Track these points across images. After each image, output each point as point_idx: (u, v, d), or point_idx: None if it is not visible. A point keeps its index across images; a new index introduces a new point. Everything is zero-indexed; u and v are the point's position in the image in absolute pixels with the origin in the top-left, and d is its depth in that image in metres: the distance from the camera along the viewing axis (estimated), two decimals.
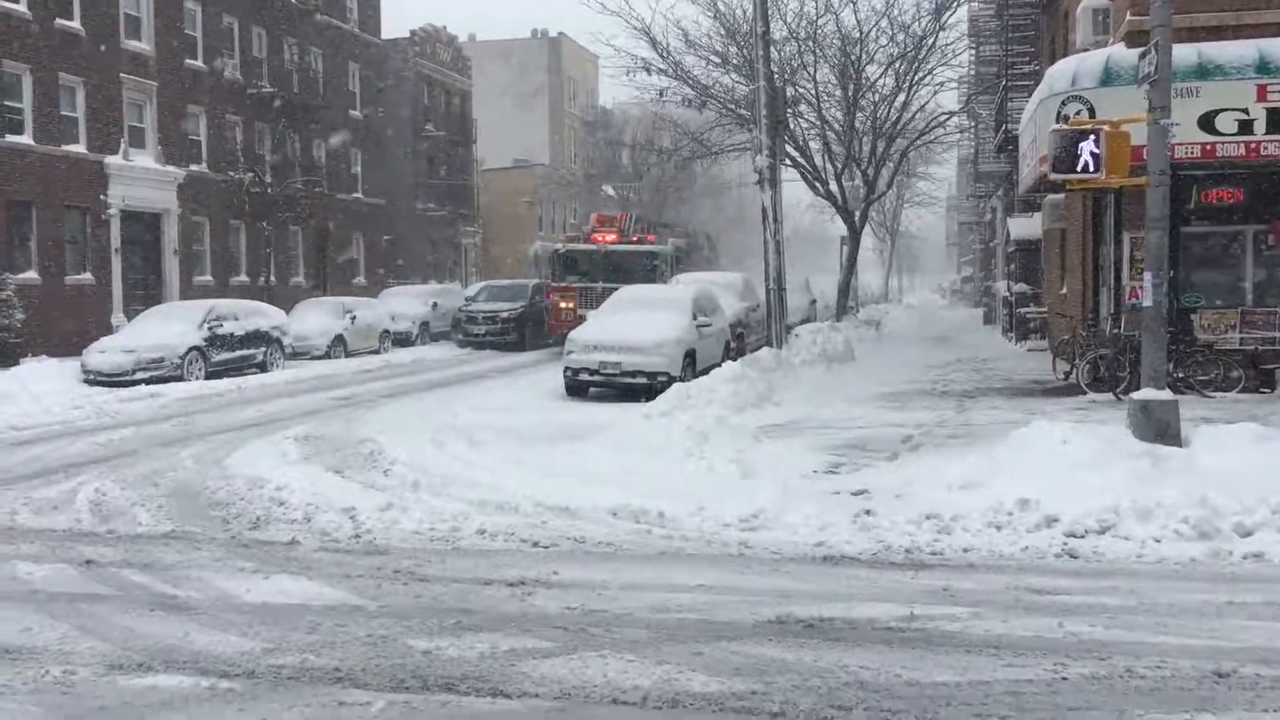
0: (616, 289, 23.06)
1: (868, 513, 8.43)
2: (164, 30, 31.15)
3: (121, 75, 29.49)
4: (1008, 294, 30.64)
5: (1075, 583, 6.73)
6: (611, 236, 27.56)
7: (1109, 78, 14.66)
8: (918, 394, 16.81)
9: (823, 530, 8.11)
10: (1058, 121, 13.32)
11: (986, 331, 35.23)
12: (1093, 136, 10.90)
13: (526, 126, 65.99)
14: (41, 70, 26.70)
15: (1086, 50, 16.70)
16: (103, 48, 28.74)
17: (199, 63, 32.87)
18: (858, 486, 9.53)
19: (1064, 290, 22.96)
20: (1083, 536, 7.69)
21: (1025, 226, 29.16)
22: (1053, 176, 11.61)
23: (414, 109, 47.80)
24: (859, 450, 11.57)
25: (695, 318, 18.73)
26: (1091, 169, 10.90)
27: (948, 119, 33.10)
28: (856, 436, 12.50)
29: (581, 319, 23.98)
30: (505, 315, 29.85)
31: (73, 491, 9.93)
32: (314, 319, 27.15)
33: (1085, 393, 15.53)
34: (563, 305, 27.00)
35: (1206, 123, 14.36)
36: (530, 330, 29.76)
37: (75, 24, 27.88)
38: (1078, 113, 14.32)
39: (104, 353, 20.47)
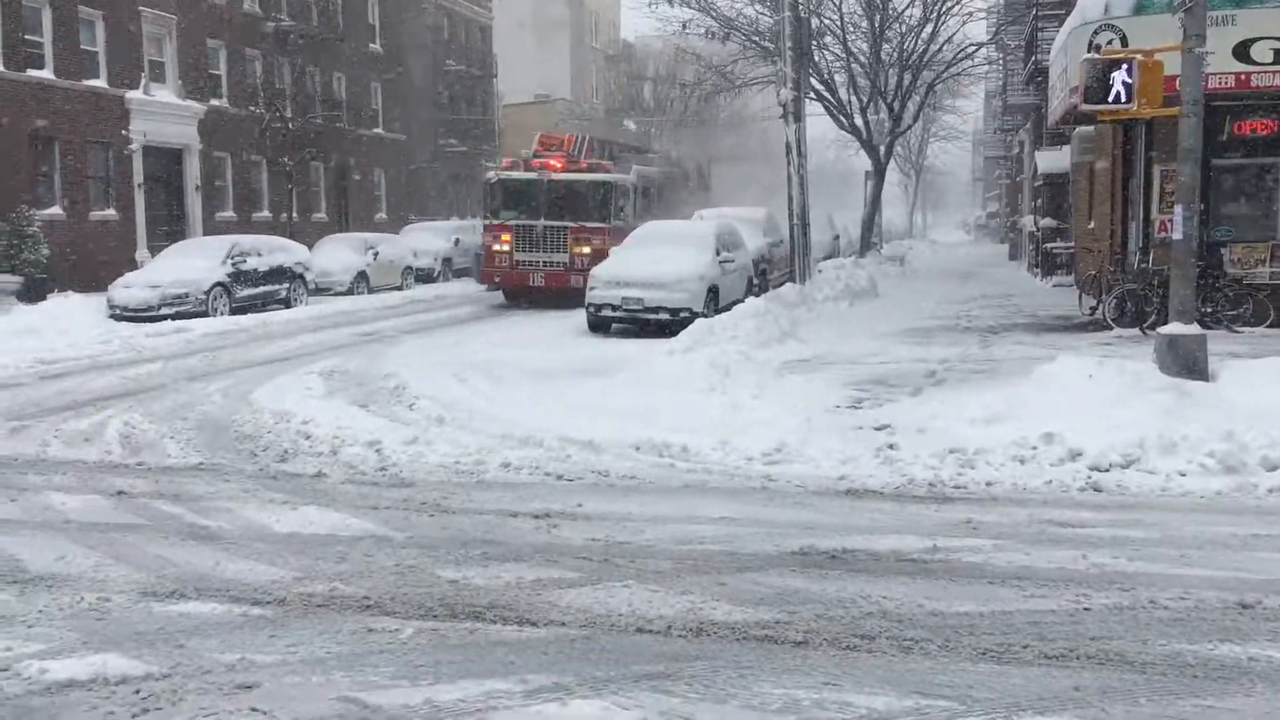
0: (563, 227, 22.29)
1: (891, 447, 8.44)
2: None
3: (140, 8, 29.28)
4: (1034, 229, 30.31)
5: (1099, 516, 6.74)
6: (556, 163, 23.29)
7: (1142, 6, 14.34)
8: (941, 329, 16.72)
9: (845, 464, 8.13)
10: (1089, 51, 13.07)
11: (1012, 267, 34.93)
12: (1125, 66, 10.69)
13: (547, 60, 65.28)
14: (61, 3, 26.54)
15: None
16: None
17: None
18: (881, 421, 9.51)
19: (1092, 224, 22.69)
20: (1107, 470, 7.68)
21: (1053, 160, 28.74)
22: (1084, 107, 11.41)
23: (434, 43, 47.34)
24: (882, 385, 11.54)
25: (718, 253, 18.63)
26: (1124, 99, 10.70)
27: (975, 50, 32.58)
28: (880, 372, 12.47)
29: (519, 264, 22.80)
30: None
31: (102, 424, 10.05)
32: (337, 255, 27.17)
33: (1111, 328, 15.40)
34: (495, 248, 23.34)
35: (1242, 52, 14.05)
36: None
37: None
38: (1110, 42, 14.03)
39: (129, 288, 20.59)
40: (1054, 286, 24.75)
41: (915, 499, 7.25)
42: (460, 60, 49.35)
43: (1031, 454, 7.99)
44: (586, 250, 22.09)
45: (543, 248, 22.73)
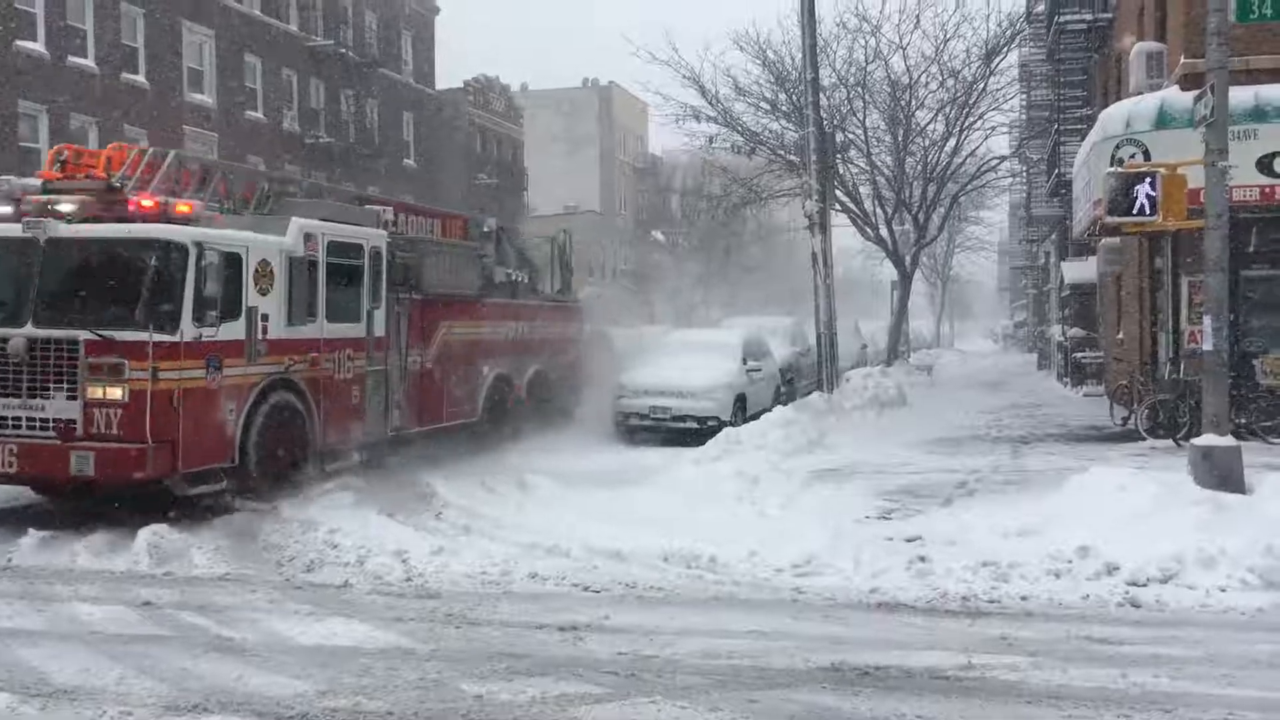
0: (62, 342, 9.61)
1: (922, 559, 8.31)
2: (225, 83, 31.97)
3: (184, 127, 30.27)
4: (1062, 339, 30.28)
5: (1138, 632, 6.58)
6: (72, 205, 10.24)
7: (1164, 120, 14.54)
8: (971, 439, 16.60)
9: (876, 577, 8.00)
10: (1112, 165, 13.23)
11: (1040, 377, 34.79)
12: (1149, 179, 10.81)
13: (577, 173, 66.66)
14: (107, 123, 27.47)
15: (1140, 94, 16.58)
16: (167, 100, 29.54)
17: (259, 114, 33.66)
18: (911, 533, 9.39)
19: (1120, 335, 22.65)
20: (1145, 585, 7.52)
21: (1080, 270, 28.87)
22: (1108, 220, 11.53)
23: (467, 157, 48.51)
24: (912, 496, 11.43)
25: (745, 362, 18.71)
26: (1148, 212, 10.79)
27: (999, 163, 33.00)
28: (909, 482, 12.35)
29: None
30: None
31: (129, 533, 10.05)
32: None
33: (1144, 439, 15.25)
34: None
35: (1265, 165, 14.17)
36: None
37: (140, 78, 28.73)
38: (1132, 156, 14.20)
39: None
40: (1084, 396, 24.60)
41: (948, 613, 7.12)
42: (492, 174, 50.49)
43: (1067, 568, 7.85)
44: (114, 394, 9.61)
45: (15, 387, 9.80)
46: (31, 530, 10.21)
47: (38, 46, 25.62)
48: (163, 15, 29.54)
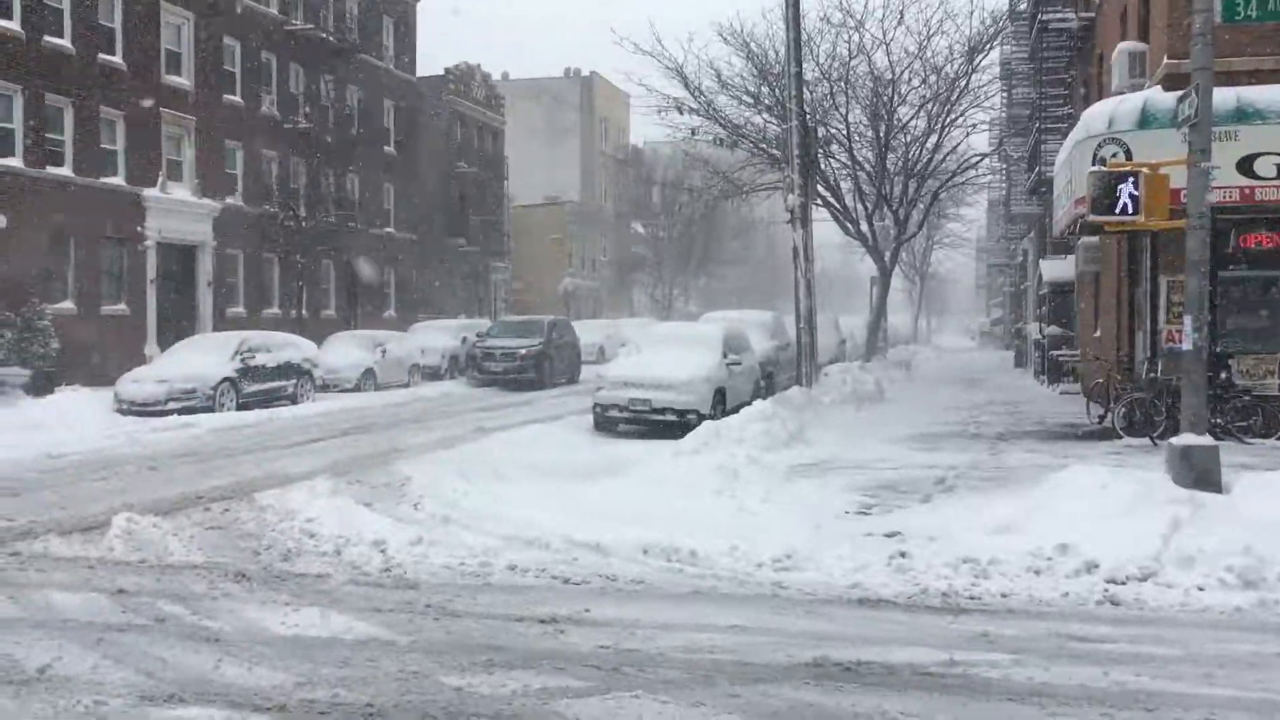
0: None
1: (903, 555, 8.32)
2: (203, 65, 31.65)
3: (161, 109, 29.94)
4: (1040, 337, 30.43)
5: (1119, 631, 6.60)
6: None
7: (1146, 120, 14.60)
8: (950, 436, 16.65)
9: (857, 572, 8.00)
10: (1094, 164, 13.26)
11: (1017, 374, 34.96)
12: (1132, 179, 10.85)
13: (558, 164, 66.50)
14: (83, 103, 27.15)
15: (1122, 93, 16.65)
16: (143, 82, 29.22)
17: (237, 98, 33.34)
18: (891, 528, 9.40)
19: (1098, 333, 22.78)
20: (1124, 583, 7.55)
21: (1058, 269, 29.01)
22: (1091, 218, 11.55)
23: (447, 145, 48.27)
24: (891, 491, 11.44)
25: (725, 355, 18.68)
26: (1130, 211, 10.83)
27: (979, 161, 33.14)
28: (888, 478, 12.37)
29: None
30: (524, 352, 28.34)
31: (105, 520, 9.95)
32: (345, 352, 27.29)
33: (1121, 437, 15.33)
34: None
35: (1245, 166, 14.25)
36: (549, 368, 28.82)
37: (117, 59, 28.37)
38: (1114, 155, 14.24)
39: (137, 382, 20.64)
40: (1061, 394, 24.72)
41: (929, 609, 7.12)
42: (472, 163, 50.25)
43: (1047, 565, 7.87)
44: None
45: None
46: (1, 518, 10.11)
47: (13, 25, 25.25)
48: None
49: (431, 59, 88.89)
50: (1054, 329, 29.28)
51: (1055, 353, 27.50)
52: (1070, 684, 5.56)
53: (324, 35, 37.28)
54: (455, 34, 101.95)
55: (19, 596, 7.37)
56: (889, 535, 9.13)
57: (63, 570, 8.18)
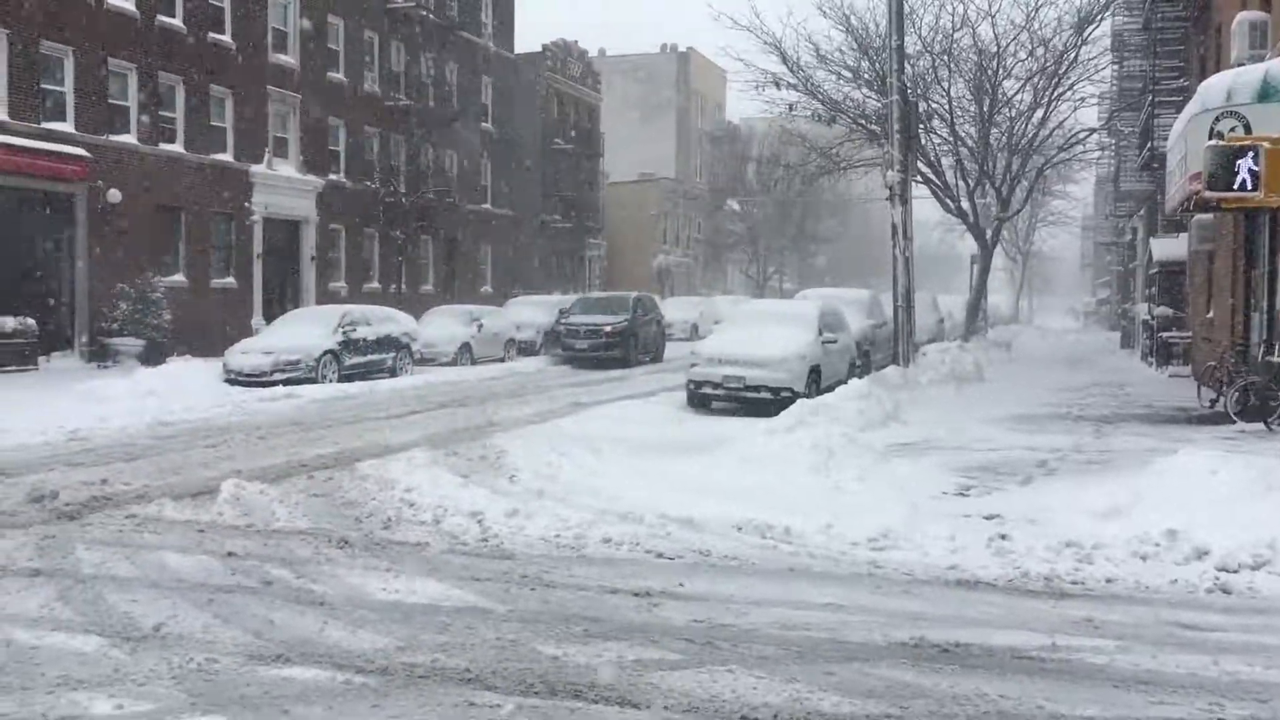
0: None
1: (1003, 537, 8.16)
2: (309, 44, 32.30)
3: (268, 87, 30.66)
4: (1148, 317, 29.52)
5: (1229, 619, 6.39)
6: None
7: (1267, 93, 13.95)
8: (1052, 417, 16.27)
9: (955, 553, 7.87)
10: (1211, 138, 12.77)
11: (1124, 356, 34.00)
12: (1251, 154, 10.44)
13: (653, 140, 66.43)
14: (193, 82, 27.94)
15: (1242, 65, 15.96)
16: (251, 61, 29.94)
17: (340, 76, 33.97)
18: (990, 510, 9.24)
19: (1211, 314, 21.99)
20: (1236, 571, 7.30)
21: (1169, 247, 28.06)
22: (1207, 194, 11.14)
23: (544, 122, 48.56)
24: (990, 473, 11.23)
25: (820, 333, 18.50)
26: (1249, 187, 10.43)
27: (1088, 136, 32.14)
28: (987, 459, 12.14)
29: None
30: (609, 329, 27.78)
31: (214, 486, 10.28)
32: (443, 326, 27.72)
33: (1233, 421, 14.81)
34: None
35: None
36: (634, 345, 28.40)
37: (226, 38, 29.12)
38: (1232, 129, 13.67)
39: (245, 354, 21.25)
40: (1170, 377, 23.98)
41: (1030, 593, 6.98)
42: (567, 139, 50.48)
43: (1154, 551, 7.65)
44: None
45: None
46: (118, 481, 10.51)
47: (128, 5, 26.06)
48: None
49: (529, 36, 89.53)
50: (1164, 310, 28.35)
51: (1165, 334, 26.66)
52: (1178, 672, 5.40)
53: (425, 13, 37.74)
54: (553, 11, 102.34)
55: (135, 557, 7.66)
56: (988, 517, 8.97)
57: (175, 533, 8.47)
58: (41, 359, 22.95)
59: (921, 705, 4.92)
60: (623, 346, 27.85)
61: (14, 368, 21.84)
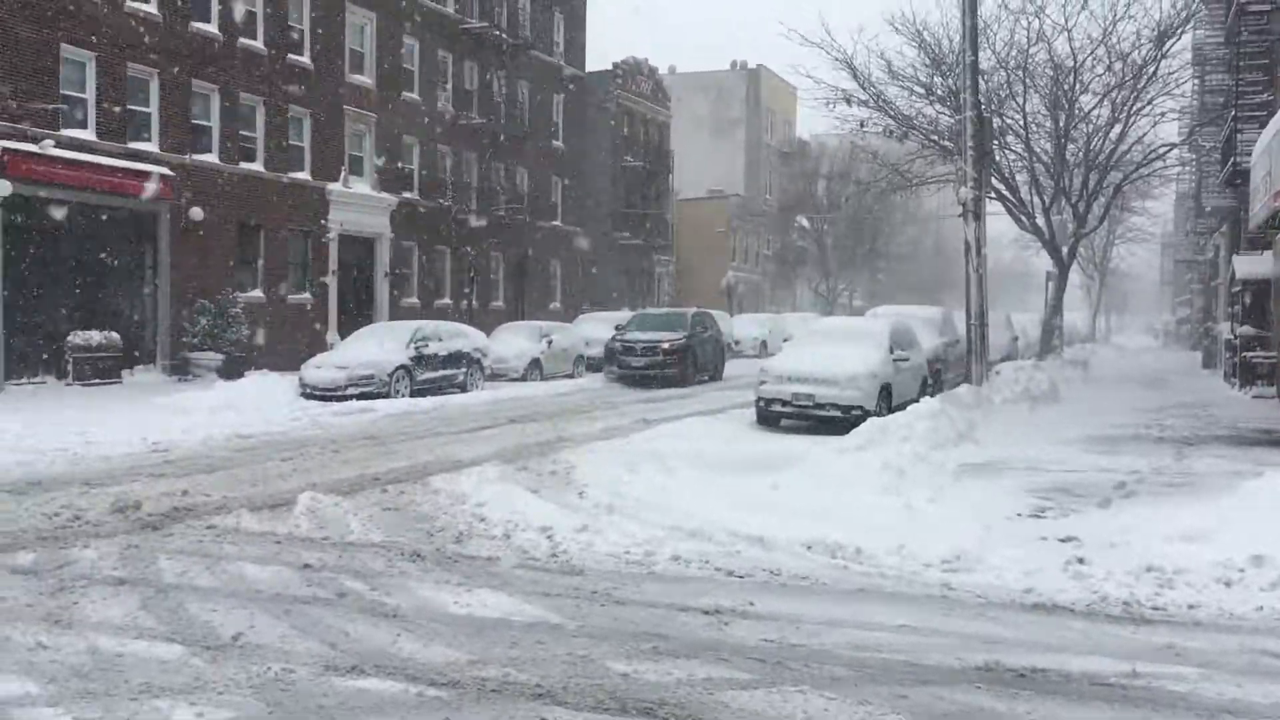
0: None
1: (1080, 560, 8.00)
2: (384, 64, 32.89)
3: (345, 107, 31.27)
4: (1231, 336, 28.76)
5: None
6: None
7: None
8: (1130, 439, 15.91)
9: (1030, 576, 7.73)
10: None
11: (1205, 376, 33.16)
12: None
13: (723, 157, 66.45)
14: (273, 102, 28.59)
15: None
16: (329, 81, 30.57)
17: (415, 95, 34.52)
18: (1066, 532, 9.06)
19: None
20: None
21: (1253, 265, 27.32)
22: None
23: (614, 139, 48.87)
24: (1066, 494, 11.01)
25: (892, 351, 18.32)
26: None
27: (1167, 151, 31.46)
28: (1063, 480, 11.91)
29: None
30: (666, 346, 26.62)
31: (291, 498, 10.47)
32: (513, 342, 27.96)
33: None
34: None
35: None
36: (692, 363, 27.29)
37: (305, 59, 29.77)
38: None
39: (320, 368, 21.63)
40: (1254, 398, 23.34)
41: (1109, 618, 6.82)
42: (637, 156, 50.71)
43: (1239, 576, 7.44)
44: None
45: None
46: (198, 494, 10.75)
47: (211, 28, 26.79)
48: None
49: (600, 54, 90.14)
50: (1247, 329, 27.59)
51: (1248, 354, 25.94)
52: (1264, 702, 5.25)
53: (497, 33, 38.22)
54: (623, 29, 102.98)
55: (214, 568, 7.83)
56: (1064, 540, 8.80)
57: (253, 544, 8.64)
58: (125, 372, 23.60)
59: None
60: (680, 365, 26.84)
61: (99, 381, 22.49)
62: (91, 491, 10.79)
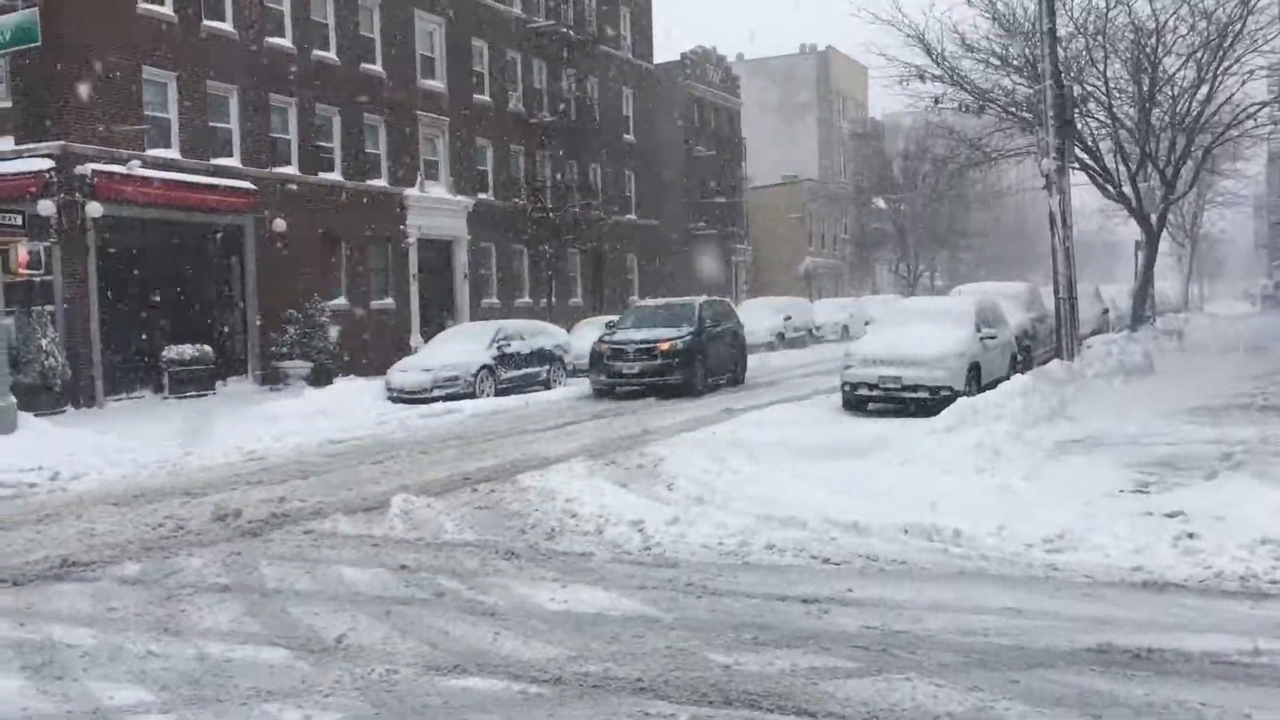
0: None
1: (1190, 535, 7.73)
2: (454, 67, 33.19)
3: (417, 112, 31.63)
4: None
5: None
6: None
7: None
8: (1234, 408, 15.36)
9: (1138, 553, 7.50)
10: None
11: None
12: None
13: (795, 142, 65.91)
14: (348, 111, 29.03)
15: None
16: (401, 88, 30.95)
17: (485, 97, 34.79)
18: (1172, 507, 8.75)
19: None
20: None
21: None
22: None
23: (685, 130, 48.72)
24: (1169, 468, 10.66)
25: (978, 329, 17.95)
26: None
27: (1258, 110, 30.29)
28: (1165, 453, 11.54)
29: None
30: (665, 346, 21.07)
31: (384, 501, 10.60)
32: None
33: None
34: None
35: None
36: (699, 367, 21.53)
37: (377, 67, 30.17)
38: None
39: (405, 372, 21.92)
40: None
41: (1225, 594, 6.59)
42: (709, 145, 50.50)
43: None
44: None
45: None
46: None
47: (285, 42, 27.27)
48: (397, 6, 30.90)
49: (667, 45, 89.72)
50: None
51: None
52: None
53: (564, 30, 38.32)
54: (690, 18, 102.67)
55: (314, 572, 7.96)
56: (1170, 515, 8.51)
57: (350, 547, 8.76)
58: (218, 383, 24.17)
59: (1115, 715, 4.69)
60: (684, 369, 21.18)
61: (194, 393, 23.07)
62: (193, 501, 11.05)
